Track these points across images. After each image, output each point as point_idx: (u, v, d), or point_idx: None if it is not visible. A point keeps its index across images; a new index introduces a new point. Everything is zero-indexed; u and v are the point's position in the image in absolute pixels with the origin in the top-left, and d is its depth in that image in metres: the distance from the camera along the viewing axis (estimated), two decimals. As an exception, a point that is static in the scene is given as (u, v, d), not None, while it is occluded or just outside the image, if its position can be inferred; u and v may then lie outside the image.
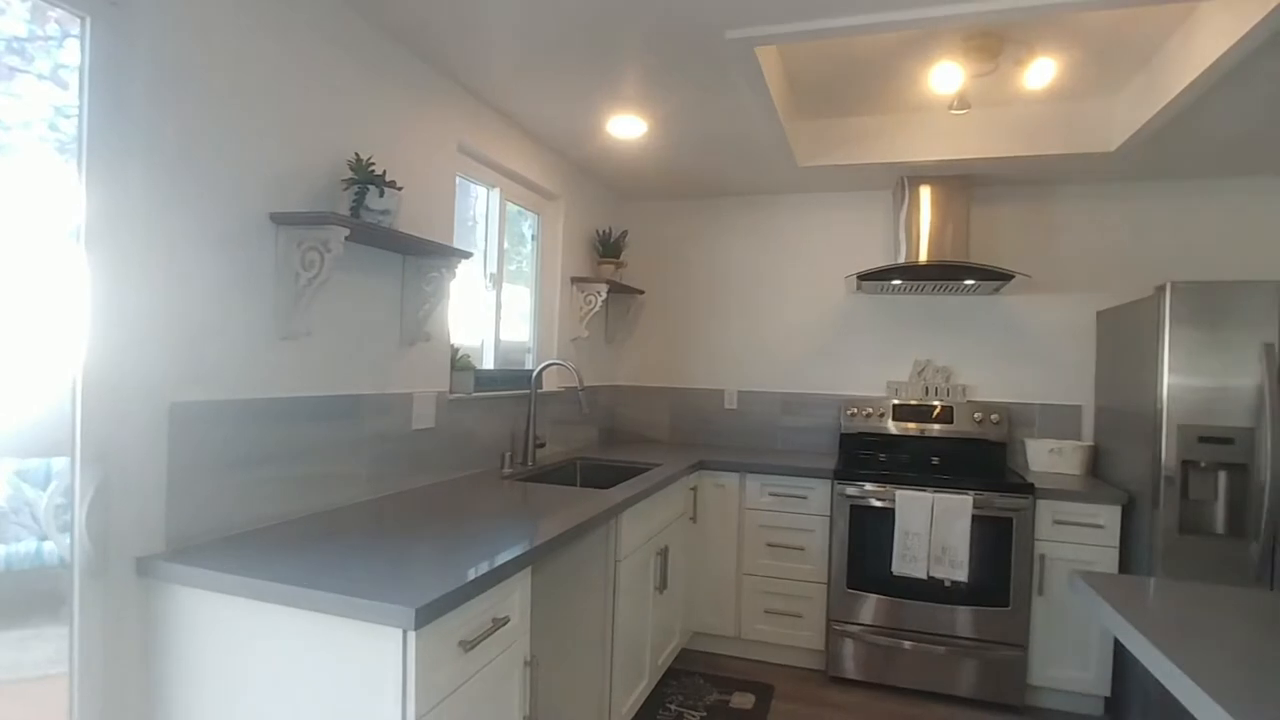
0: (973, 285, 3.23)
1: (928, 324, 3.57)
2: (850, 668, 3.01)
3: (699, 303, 3.96)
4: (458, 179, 2.62)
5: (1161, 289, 2.53)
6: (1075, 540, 2.78)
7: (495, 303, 2.96)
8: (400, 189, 1.95)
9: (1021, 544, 2.80)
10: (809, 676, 3.11)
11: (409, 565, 1.44)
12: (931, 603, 2.90)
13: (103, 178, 1.39)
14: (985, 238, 3.48)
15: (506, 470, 2.70)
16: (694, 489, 3.20)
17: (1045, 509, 2.81)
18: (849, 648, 3.01)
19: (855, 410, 3.54)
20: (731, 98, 2.49)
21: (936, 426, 3.43)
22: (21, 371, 1.33)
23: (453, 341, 2.53)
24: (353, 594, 1.25)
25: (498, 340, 2.98)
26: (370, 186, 1.86)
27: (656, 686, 2.92)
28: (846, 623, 3.01)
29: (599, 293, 3.43)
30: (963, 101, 2.47)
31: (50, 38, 1.36)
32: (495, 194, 2.91)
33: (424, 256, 2.21)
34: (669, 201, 4.01)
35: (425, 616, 1.22)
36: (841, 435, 3.56)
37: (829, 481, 3.08)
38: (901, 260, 3.30)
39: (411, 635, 1.22)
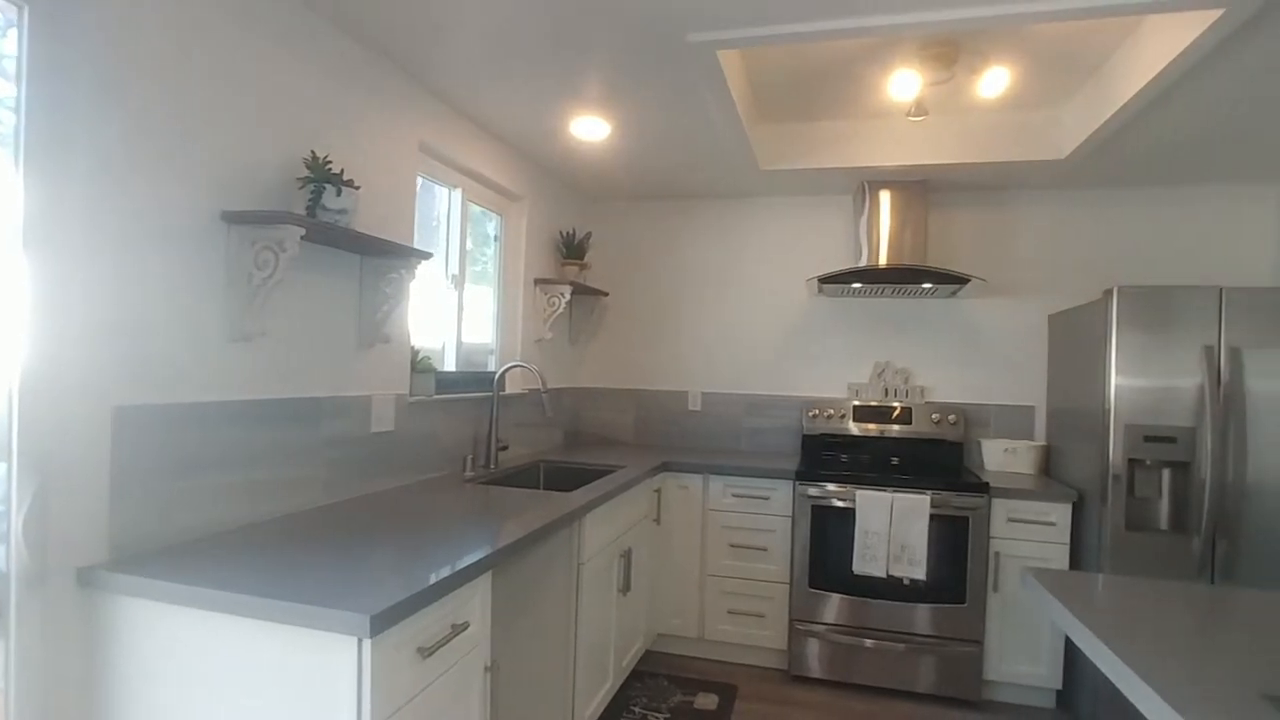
0: (930, 288, 3.30)
1: (887, 326, 3.63)
2: (813, 666, 3.04)
3: (663, 304, 3.97)
4: (420, 179, 2.59)
5: (1109, 293, 2.61)
6: (1028, 538, 2.85)
7: (457, 304, 2.92)
8: (358, 188, 1.91)
9: (977, 542, 2.86)
10: (772, 676, 3.13)
11: (366, 571, 1.41)
12: (891, 601, 2.95)
13: (42, 172, 1.33)
14: (943, 242, 3.55)
15: (469, 473, 2.67)
16: (658, 491, 3.21)
17: (1000, 508, 2.88)
18: (811, 647, 3.05)
19: (817, 411, 3.58)
20: (694, 101, 2.50)
21: (896, 427, 3.49)
22: (-47, 374, 1.27)
23: (413, 343, 2.50)
24: (306, 601, 1.22)
25: (459, 342, 2.95)
26: (327, 185, 1.83)
27: (620, 689, 2.92)
28: (808, 622, 3.04)
29: (563, 294, 3.42)
30: (920, 108, 2.52)
31: (-14, 27, 1.31)
32: (457, 194, 2.88)
33: (383, 257, 2.17)
34: (633, 203, 4.02)
35: (381, 624, 1.19)
36: (803, 436, 3.60)
37: (791, 482, 3.11)
38: (863, 264, 3.35)
39: (367, 643, 1.20)
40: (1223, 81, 2.17)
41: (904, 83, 2.45)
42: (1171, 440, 2.54)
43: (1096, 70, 2.51)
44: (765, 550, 3.15)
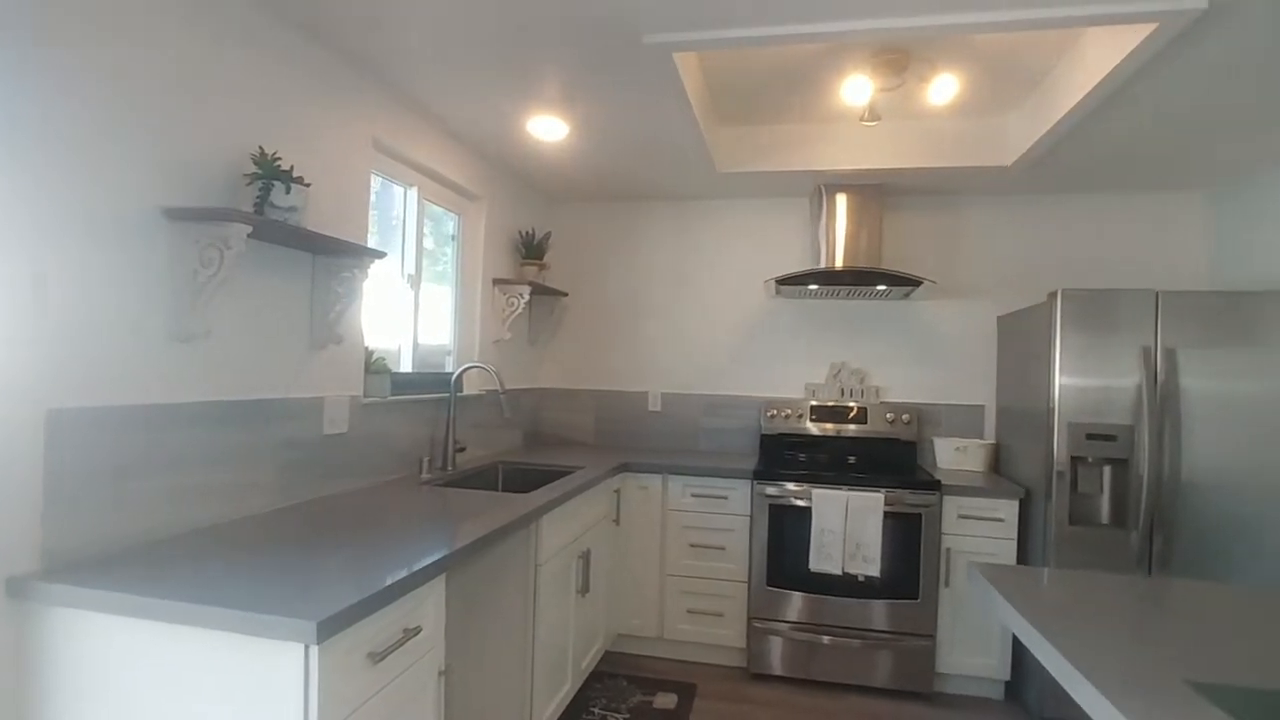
0: (885, 290, 3.36)
1: (843, 328, 3.69)
2: (771, 664, 3.08)
3: (623, 305, 3.97)
4: (377, 178, 2.56)
5: (1053, 295, 2.70)
6: (978, 534, 2.93)
7: (414, 304, 2.89)
8: (308, 185, 1.88)
9: (929, 538, 2.93)
10: (731, 674, 3.16)
11: (315, 576, 1.38)
12: (847, 598, 3.00)
13: (-31, 166, 1.28)
14: (897, 245, 3.63)
15: (425, 475, 2.64)
16: (617, 491, 3.21)
17: (951, 504, 2.95)
18: (770, 644, 3.08)
19: (775, 412, 3.62)
20: (652, 102, 2.51)
21: (852, 427, 3.55)
22: None
23: (368, 344, 2.46)
24: (251, 609, 1.19)
25: (416, 342, 2.91)
26: (276, 182, 1.79)
27: (580, 690, 2.91)
28: (767, 620, 3.08)
29: (522, 294, 3.40)
30: (873, 113, 2.57)
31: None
32: (413, 193, 2.84)
33: (335, 255, 2.13)
34: (593, 204, 4.01)
35: (328, 629, 1.17)
36: (762, 436, 3.64)
37: (749, 482, 3.14)
38: (820, 266, 3.40)
39: (314, 649, 1.18)
40: (1157, 93, 2.26)
41: (857, 88, 2.50)
42: (1112, 438, 2.63)
43: (1040, 80, 2.60)
44: (724, 549, 3.17)
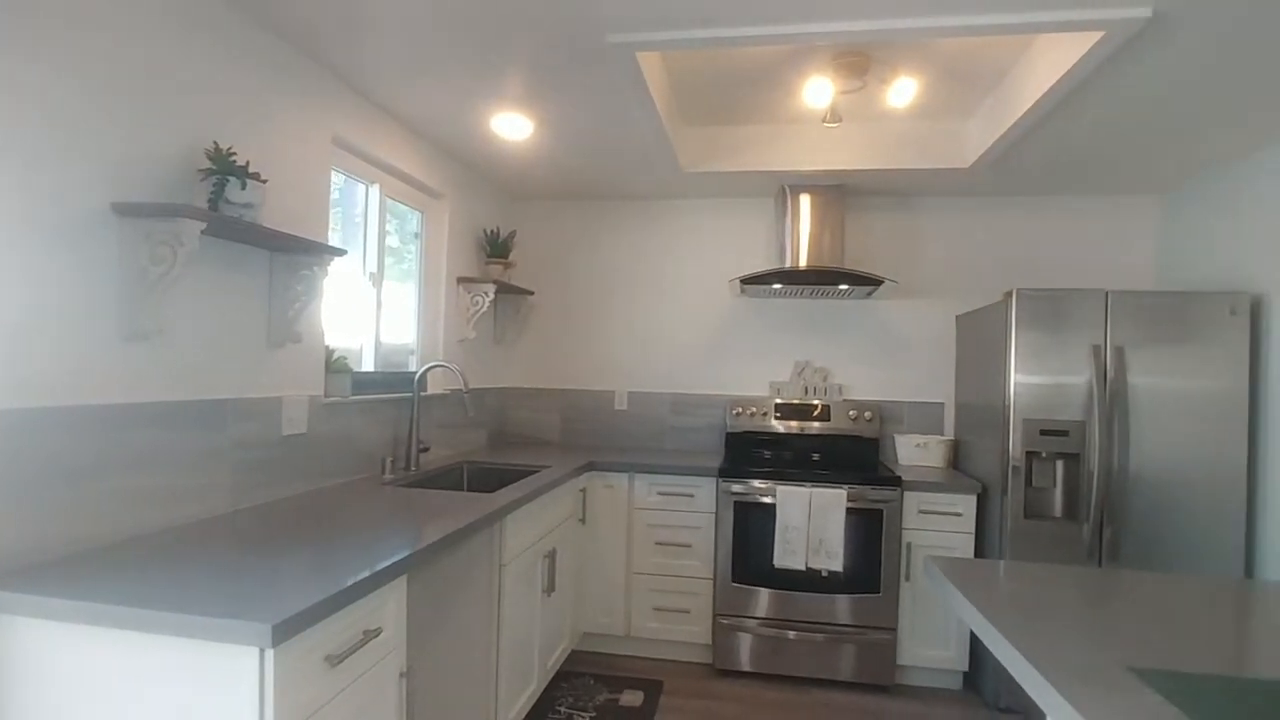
0: (847, 290, 3.41)
1: (807, 326, 3.74)
2: (737, 660, 3.11)
3: (590, 304, 3.97)
4: (340, 175, 2.52)
5: (1009, 295, 2.77)
6: (937, 528, 2.99)
7: (376, 302, 2.85)
8: (265, 181, 1.84)
9: (891, 533, 2.98)
10: (697, 671, 3.18)
11: (271, 579, 1.36)
12: (811, 593, 3.04)
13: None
14: (859, 245, 3.69)
15: (387, 476, 2.61)
16: (583, 490, 3.21)
17: (911, 500, 3.00)
18: (735, 640, 3.11)
19: (740, 410, 3.65)
20: (616, 102, 2.51)
21: (816, 424, 3.59)
22: None
23: (328, 342, 2.42)
24: (204, 613, 1.17)
25: (378, 341, 2.87)
26: (231, 178, 1.75)
27: (546, 690, 2.90)
28: (732, 616, 3.10)
29: (486, 293, 3.37)
30: (834, 115, 2.61)
31: None
32: (375, 190, 2.81)
33: (294, 253, 2.10)
34: (558, 202, 4.00)
35: (284, 632, 1.16)
36: (727, 434, 3.67)
37: (714, 479, 3.16)
38: (785, 265, 3.44)
39: (269, 653, 1.16)
40: (1106, 99, 2.33)
41: (818, 90, 2.54)
42: (1064, 433, 2.71)
43: (996, 85, 2.66)
44: (690, 547, 3.19)
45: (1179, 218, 3.30)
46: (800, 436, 3.61)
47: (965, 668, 2.99)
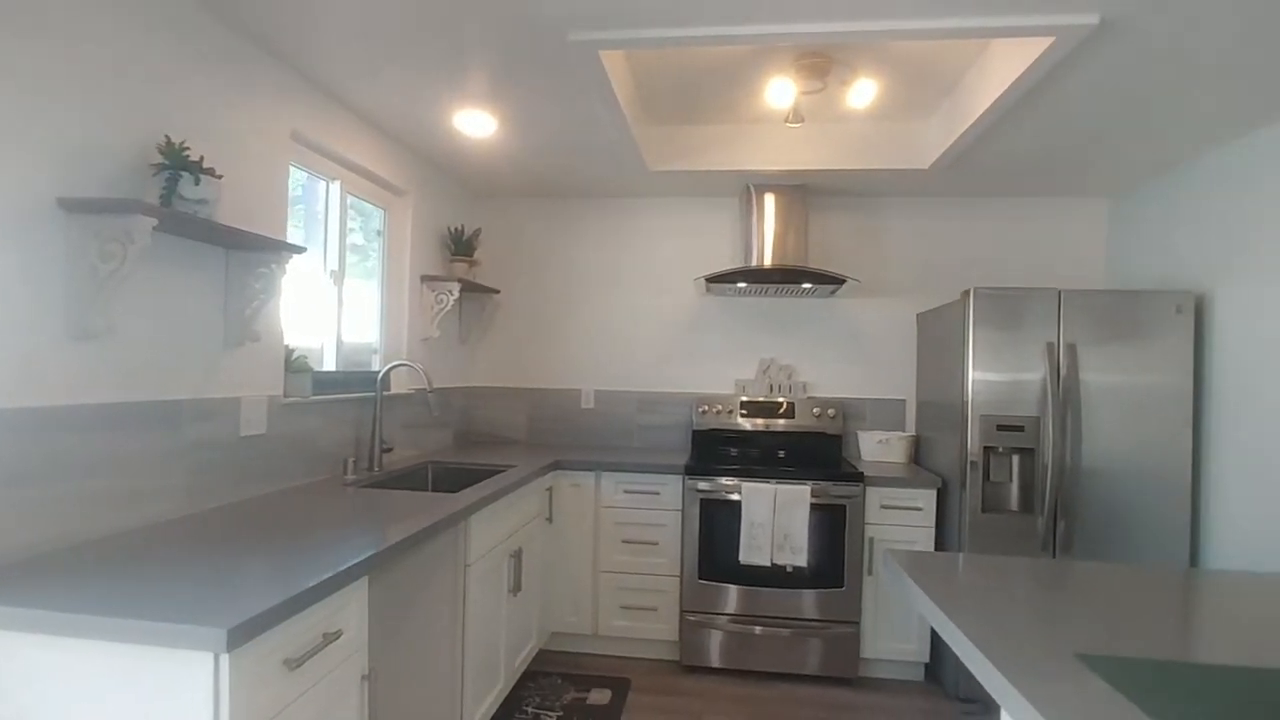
0: (810, 288, 3.46)
1: (772, 325, 3.78)
2: (704, 656, 3.13)
3: (556, 302, 3.96)
4: (301, 171, 2.47)
5: (966, 294, 2.83)
6: (899, 523, 3.04)
7: (337, 300, 2.81)
8: (220, 177, 1.80)
9: (854, 528, 3.03)
10: (664, 668, 3.20)
11: (227, 583, 1.33)
12: (776, 588, 3.07)
13: None
14: (822, 244, 3.74)
15: (350, 477, 2.57)
16: (550, 489, 3.20)
17: (874, 495, 3.06)
18: (702, 637, 3.13)
19: (706, 408, 3.68)
20: (580, 100, 2.51)
21: (781, 422, 3.63)
22: None
23: (288, 342, 2.38)
24: (156, 618, 1.14)
25: (340, 340, 2.83)
26: (184, 173, 1.71)
27: (513, 690, 2.89)
28: (699, 613, 3.12)
29: (451, 291, 3.34)
30: (797, 115, 2.64)
31: None
32: (335, 186, 2.76)
33: (251, 250, 2.06)
34: (524, 200, 3.98)
35: (240, 636, 1.13)
36: (694, 432, 3.69)
37: (680, 477, 3.18)
38: (750, 264, 3.47)
39: (225, 658, 1.14)
40: (1057, 104, 2.40)
41: (781, 90, 2.56)
42: (1020, 429, 2.78)
43: (953, 89, 2.72)
44: (657, 545, 3.20)
45: (1128, 219, 3.41)
46: (766, 434, 3.64)
47: (926, 659, 3.05)
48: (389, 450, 2.87)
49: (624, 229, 3.90)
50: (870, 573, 3.05)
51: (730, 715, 2.78)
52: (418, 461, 3.05)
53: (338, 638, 1.45)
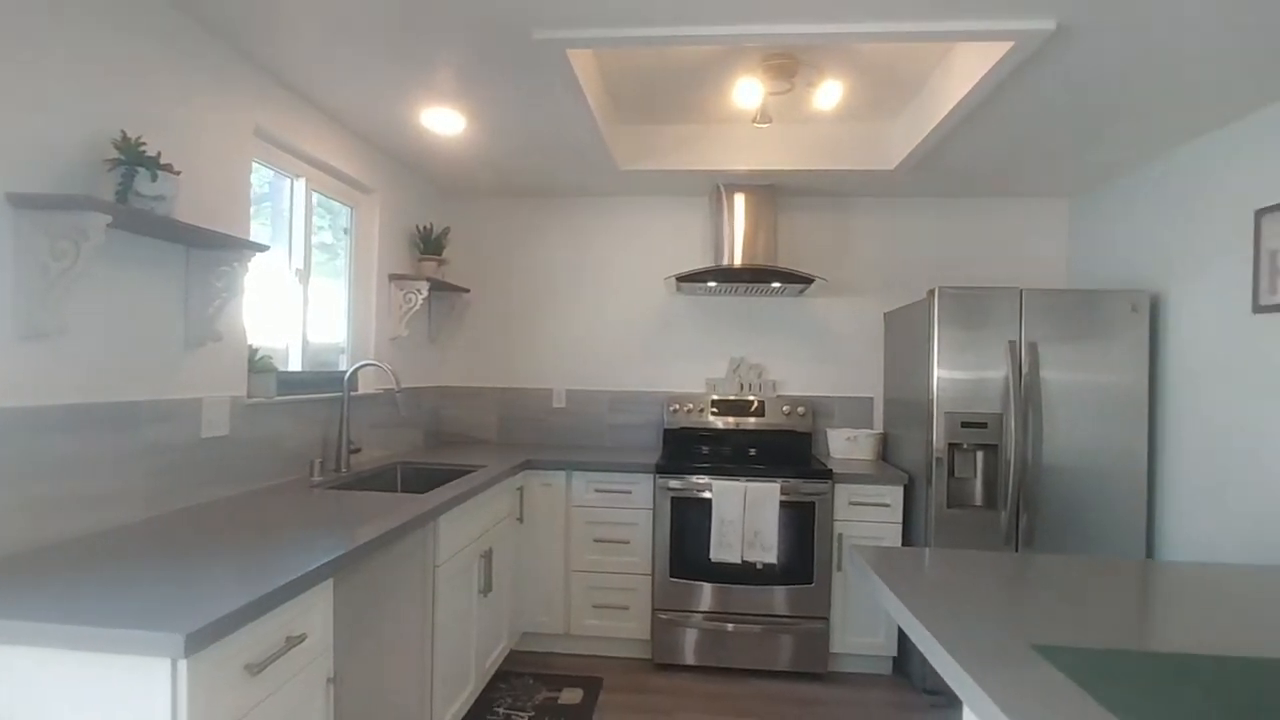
0: (779, 288, 3.48)
1: (742, 324, 3.80)
2: (676, 654, 3.14)
3: (526, 302, 3.94)
4: (267, 168, 2.43)
5: (932, 293, 2.88)
6: (867, 519, 3.08)
7: (303, 300, 2.76)
8: (178, 173, 1.76)
9: (823, 525, 3.06)
10: (636, 666, 3.20)
11: (187, 587, 1.31)
12: (747, 585, 3.09)
13: None
14: (791, 244, 3.77)
15: (316, 478, 2.53)
16: (521, 489, 3.19)
17: (842, 492, 3.09)
18: (674, 634, 3.14)
19: (678, 406, 3.69)
20: (549, 99, 2.50)
21: (751, 420, 3.66)
22: None
23: (251, 341, 2.33)
24: (113, 624, 1.12)
25: (305, 340, 2.79)
26: (140, 169, 1.67)
27: (484, 691, 2.88)
28: (670, 610, 3.14)
29: (420, 290, 3.31)
30: (765, 116, 2.66)
31: None
32: (300, 184, 2.72)
33: (212, 249, 2.02)
34: (493, 199, 3.96)
35: (198, 642, 1.11)
36: (665, 431, 3.70)
37: (651, 476, 3.18)
38: (721, 263, 3.49)
39: (183, 664, 1.12)
40: (1017, 107, 2.45)
41: (749, 91, 2.58)
42: (983, 426, 2.84)
43: (918, 91, 2.76)
44: (628, 543, 3.21)
45: (1087, 219, 3.49)
46: (736, 432, 3.67)
47: (894, 653, 3.09)
48: (357, 451, 2.84)
49: (594, 228, 3.89)
50: (839, 569, 3.08)
51: (702, 712, 2.80)
52: (387, 462, 3.01)
53: (302, 641, 1.43)
